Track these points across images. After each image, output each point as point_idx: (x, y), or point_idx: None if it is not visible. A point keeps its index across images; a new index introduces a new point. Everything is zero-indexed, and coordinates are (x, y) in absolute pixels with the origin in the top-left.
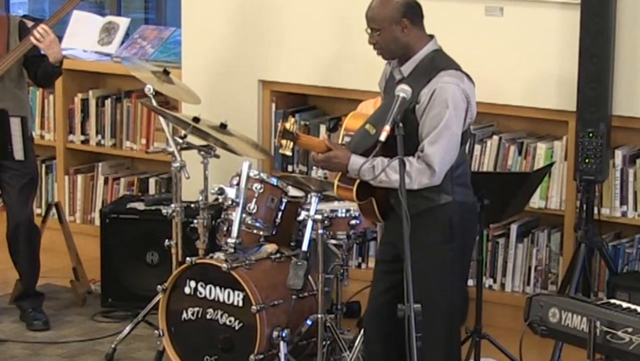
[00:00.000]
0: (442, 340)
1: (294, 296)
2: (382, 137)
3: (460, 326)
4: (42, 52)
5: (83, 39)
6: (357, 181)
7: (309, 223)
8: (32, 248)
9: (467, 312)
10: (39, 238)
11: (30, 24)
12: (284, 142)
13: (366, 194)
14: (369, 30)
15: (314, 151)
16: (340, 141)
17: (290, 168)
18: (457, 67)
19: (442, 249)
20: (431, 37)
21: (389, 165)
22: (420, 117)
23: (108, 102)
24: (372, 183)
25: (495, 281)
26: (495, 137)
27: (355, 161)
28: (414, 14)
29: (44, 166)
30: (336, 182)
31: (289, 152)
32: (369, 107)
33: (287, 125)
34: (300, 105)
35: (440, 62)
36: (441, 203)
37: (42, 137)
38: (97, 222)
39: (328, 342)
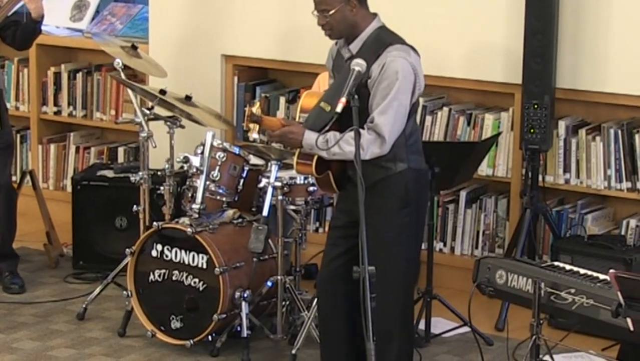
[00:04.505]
0: (400, 300)
1: (255, 259)
2: (339, 109)
3: (414, 288)
4: (14, 18)
5: (55, 15)
6: (316, 156)
7: (269, 190)
8: (11, 209)
9: (418, 274)
10: (16, 200)
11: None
12: (252, 125)
13: (324, 168)
14: (316, 13)
15: (272, 129)
16: (297, 120)
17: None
18: (403, 42)
19: (399, 214)
20: (374, 15)
21: (342, 138)
22: (372, 90)
23: (79, 75)
24: (325, 157)
25: (445, 245)
26: (445, 109)
27: (310, 136)
28: None
29: (18, 135)
30: (295, 159)
31: (256, 135)
32: (326, 80)
33: (254, 109)
34: (261, 78)
35: (386, 38)
36: (397, 171)
37: (17, 108)
38: (69, 189)
39: (287, 302)
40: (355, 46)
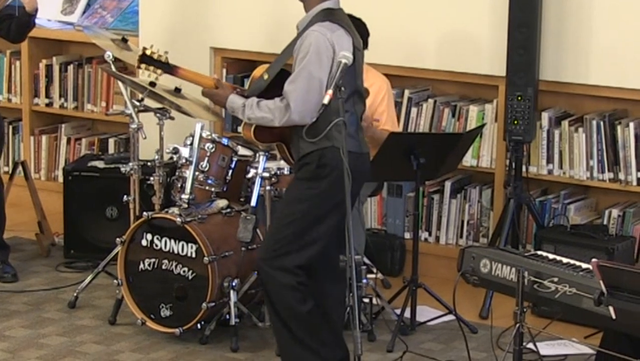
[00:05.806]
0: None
1: (243, 248)
2: (325, 101)
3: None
4: (8, 12)
5: (47, 8)
6: None
7: (257, 180)
8: (0, 201)
9: (404, 264)
10: (5, 192)
11: None
12: (143, 65)
13: (269, 137)
14: None
15: (203, 86)
16: (247, 88)
17: (240, 129)
18: (334, 21)
19: (305, 185)
20: None
21: (257, 104)
22: None
23: (70, 67)
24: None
25: (430, 234)
26: (431, 101)
27: (233, 99)
28: None
29: (10, 127)
30: (242, 123)
31: (148, 77)
32: None
33: (148, 52)
34: (250, 70)
35: (322, 17)
36: (321, 147)
37: (9, 100)
38: (61, 179)
39: None
40: (302, 23)
